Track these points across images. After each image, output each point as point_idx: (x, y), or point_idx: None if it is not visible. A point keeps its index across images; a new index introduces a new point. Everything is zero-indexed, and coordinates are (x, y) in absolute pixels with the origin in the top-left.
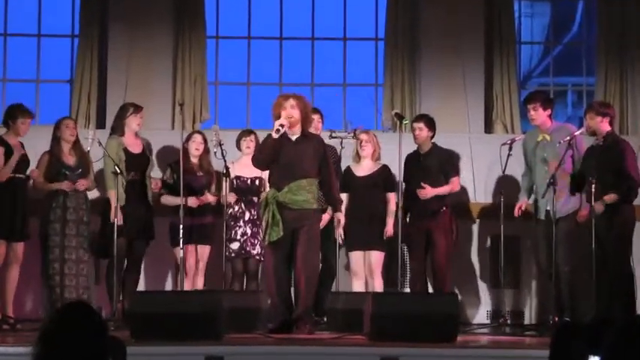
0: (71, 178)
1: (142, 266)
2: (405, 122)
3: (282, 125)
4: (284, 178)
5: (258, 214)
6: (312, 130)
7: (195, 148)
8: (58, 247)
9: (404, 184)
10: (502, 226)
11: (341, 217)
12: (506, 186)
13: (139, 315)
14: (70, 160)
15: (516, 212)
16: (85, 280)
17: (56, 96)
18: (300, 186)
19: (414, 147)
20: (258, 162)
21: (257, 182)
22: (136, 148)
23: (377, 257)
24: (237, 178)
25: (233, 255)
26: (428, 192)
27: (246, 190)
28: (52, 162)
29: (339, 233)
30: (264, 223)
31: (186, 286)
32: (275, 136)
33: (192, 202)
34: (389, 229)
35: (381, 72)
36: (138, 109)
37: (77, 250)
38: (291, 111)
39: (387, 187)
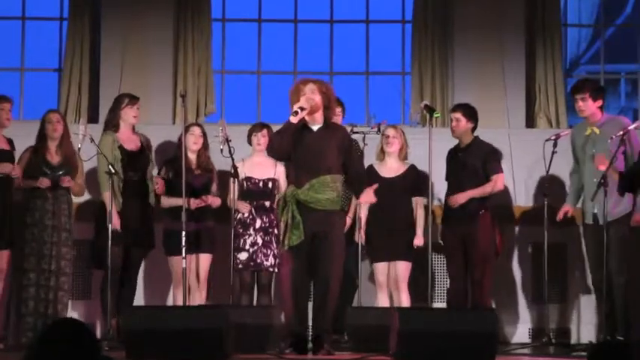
0: (51, 177)
1: (138, 278)
2: (435, 115)
3: (301, 108)
4: (305, 173)
5: (270, 221)
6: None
7: (194, 142)
8: (35, 255)
9: (434, 184)
10: (546, 233)
11: (366, 195)
12: (550, 187)
13: (135, 333)
14: (54, 159)
15: (559, 216)
16: (64, 295)
17: (43, 87)
18: (324, 183)
19: (446, 143)
20: (274, 150)
21: (270, 184)
22: (133, 145)
23: (403, 268)
24: (248, 179)
25: (241, 266)
26: (458, 199)
27: (257, 194)
28: (34, 159)
29: (362, 240)
30: (282, 225)
31: (189, 300)
32: (294, 120)
33: (194, 203)
34: (418, 239)
35: (409, 59)
36: (134, 99)
37: (58, 260)
38: (311, 95)
39: (415, 190)
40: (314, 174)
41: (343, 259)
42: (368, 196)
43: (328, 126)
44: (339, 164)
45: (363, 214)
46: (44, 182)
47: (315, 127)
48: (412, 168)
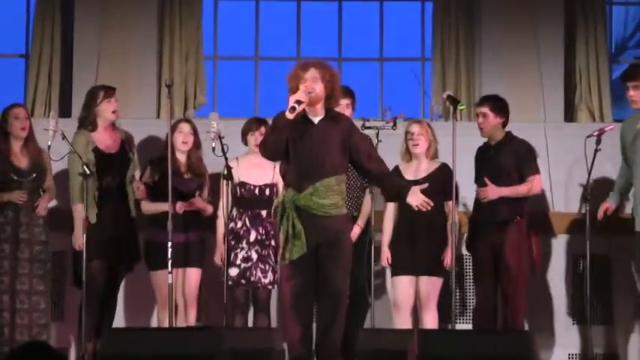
0: (24, 185)
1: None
2: (460, 107)
3: (298, 102)
4: (306, 175)
5: (267, 233)
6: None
7: (183, 141)
8: (8, 275)
9: (458, 187)
10: (588, 243)
11: (417, 196)
12: (592, 191)
13: (115, 358)
14: (21, 161)
15: (600, 214)
16: (40, 317)
17: (7, 75)
18: (329, 186)
19: (472, 139)
20: (268, 150)
21: (267, 191)
22: (112, 146)
23: (433, 285)
24: (242, 185)
25: (231, 283)
26: (489, 192)
27: (252, 202)
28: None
29: (386, 258)
30: (282, 237)
31: (175, 322)
32: (290, 116)
33: (180, 206)
34: (449, 258)
35: (429, 42)
36: (109, 91)
37: (31, 278)
38: (311, 84)
39: (448, 194)
40: (318, 176)
41: (349, 270)
42: (416, 197)
43: (332, 117)
44: (345, 163)
45: (387, 228)
46: (17, 196)
47: (316, 119)
48: (444, 167)
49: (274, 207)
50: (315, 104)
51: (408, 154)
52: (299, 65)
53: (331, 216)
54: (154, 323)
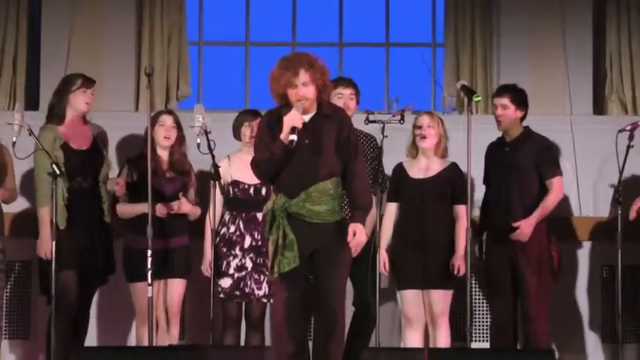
0: None
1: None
2: (475, 99)
3: (294, 129)
4: (298, 180)
5: (263, 238)
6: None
7: (165, 135)
8: None
9: (474, 187)
10: (620, 252)
11: (359, 230)
12: (625, 192)
13: None
14: None
15: (632, 214)
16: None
17: None
18: (323, 191)
19: (489, 134)
20: (262, 172)
21: (263, 191)
22: (82, 142)
23: (442, 298)
24: (235, 184)
25: (222, 296)
26: (525, 229)
27: (246, 203)
28: None
29: (383, 263)
30: (271, 247)
31: (156, 340)
32: (289, 144)
33: (160, 210)
34: (458, 261)
35: (441, 26)
36: (88, 82)
37: None
38: (304, 91)
39: (457, 197)
40: (311, 180)
41: (346, 281)
42: (356, 243)
43: (325, 113)
44: (341, 163)
45: (386, 230)
46: None
47: (307, 117)
48: (453, 167)
49: (263, 214)
50: (309, 109)
51: (415, 149)
52: (287, 68)
53: (327, 223)
54: (132, 341)
